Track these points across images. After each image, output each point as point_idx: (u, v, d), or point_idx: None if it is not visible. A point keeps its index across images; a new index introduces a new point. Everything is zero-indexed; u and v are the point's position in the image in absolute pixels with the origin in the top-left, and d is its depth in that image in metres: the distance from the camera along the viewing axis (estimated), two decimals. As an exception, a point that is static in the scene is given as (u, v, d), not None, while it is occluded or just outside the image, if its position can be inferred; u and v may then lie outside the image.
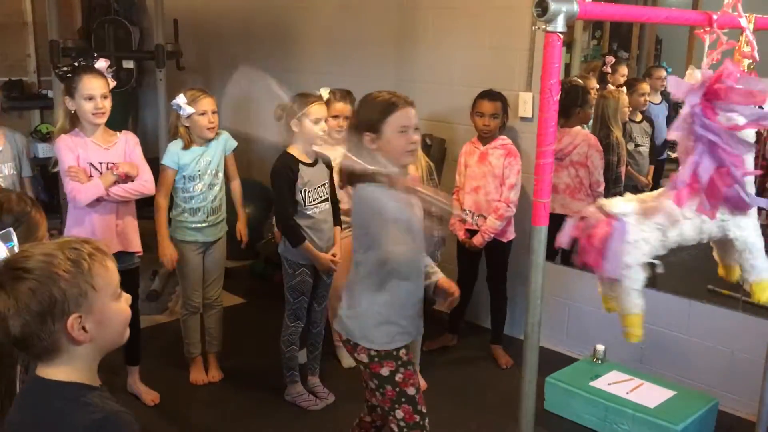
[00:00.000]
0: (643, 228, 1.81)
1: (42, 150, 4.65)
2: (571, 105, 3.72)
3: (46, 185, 4.70)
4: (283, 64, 4.92)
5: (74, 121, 3.02)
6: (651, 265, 1.87)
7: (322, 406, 3.31)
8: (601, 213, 1.81)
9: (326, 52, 4.81)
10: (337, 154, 3.15)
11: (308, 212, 3.13)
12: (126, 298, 1.37)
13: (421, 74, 4.28)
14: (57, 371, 1.30)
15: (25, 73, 5.12)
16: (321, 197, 3.17)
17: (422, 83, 4.25)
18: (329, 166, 3.23)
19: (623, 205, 1.84)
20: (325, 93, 3.31)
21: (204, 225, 3.33)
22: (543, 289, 1.59)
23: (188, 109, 3.20)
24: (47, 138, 4.82)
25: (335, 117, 3.38)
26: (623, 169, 3.81)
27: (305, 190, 3.11)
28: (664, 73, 4.02)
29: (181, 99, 3.22)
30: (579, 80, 3.89)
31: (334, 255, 3.19)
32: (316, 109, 3.10)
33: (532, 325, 1.58)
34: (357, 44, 4.60)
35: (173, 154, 3.25)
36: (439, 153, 4.08)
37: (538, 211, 1.54)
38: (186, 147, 3.26)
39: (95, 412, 1.26)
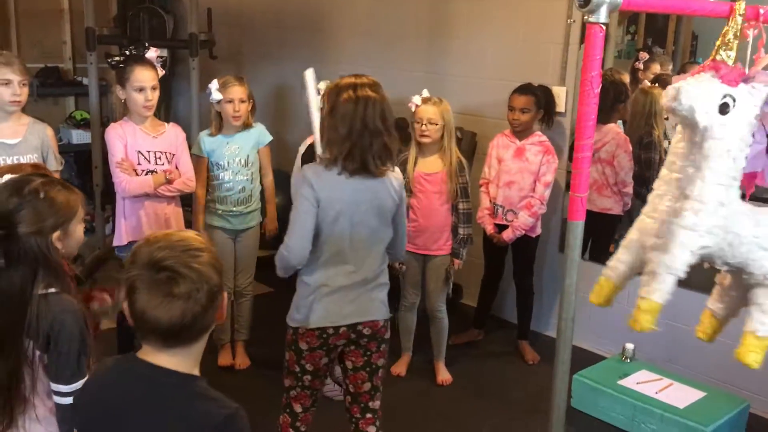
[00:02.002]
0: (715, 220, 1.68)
1: (76, 136, 4.71)
2: (610, 101, 3.65)
3: (79, 171, 4.76)
4: (315, 54, 4.92)
5: (124, 109, 3.07)
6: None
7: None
8: None
9: (358, 43, 4.80)
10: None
11: None
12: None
13: (453, 67, 4.26)
14: (178, 361, 1.33)
15: (61, 60, 5.18)
16: None
17: (454, 76, 4.23)
18: None
19: None
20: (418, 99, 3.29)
21: (232, 213, 3.36)
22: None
23: (216, 95, 3.24)
24: (81, 125, 4.88)
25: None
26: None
27: None
28: (698, 69, 3.93)
29: (214, 84, 3.27)
30: (617, 76, 3.82)
31: None
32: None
33: (566, 320, 1.57)
34: (389, 36, 4.58)
35: (200, 141, 3.33)
36: (469, 146, 4.05)
37: (574, 205, 1.52)
38: (213, 134, 3.32)
39: (226, 407, 1.32)
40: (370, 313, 2.31)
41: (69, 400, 1.64)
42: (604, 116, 3.64)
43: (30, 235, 1.63)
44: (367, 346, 2.34)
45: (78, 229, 1.76)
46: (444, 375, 3.50)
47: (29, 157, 2.91)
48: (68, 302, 1.68)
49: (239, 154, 3.34)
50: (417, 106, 3.24)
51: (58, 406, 1.70)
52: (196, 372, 1.37)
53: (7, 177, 1.73)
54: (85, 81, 4.80)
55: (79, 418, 1.43)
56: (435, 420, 3.19)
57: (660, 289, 1.71)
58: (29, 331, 1.63)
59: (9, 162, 2.80)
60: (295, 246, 2.19)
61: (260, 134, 3.42)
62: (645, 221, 1.79)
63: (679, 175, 1.68)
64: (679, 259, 1.67)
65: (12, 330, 1.62)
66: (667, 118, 3.90)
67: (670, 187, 1.72)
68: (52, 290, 1.67)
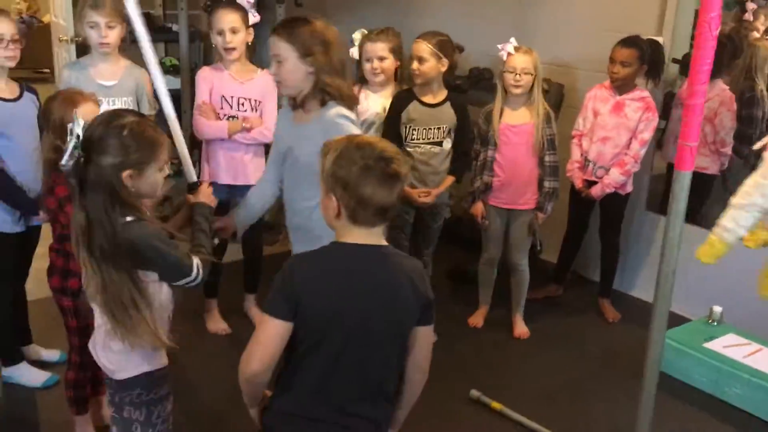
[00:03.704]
0: None
1: (167, 82, 4.81)
2: (727, 56, 3.45)
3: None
4: (402, 3, 4.85)
5: (219, 55, 3.10)
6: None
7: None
8: None
9: (445, -8, 4.70)
10: (374, 102, 3.13)
11: (409, 149, 3.12)
12: None
13: (542, 15, 4.12)
14: (379, 236, 1.66)
15: (151, 6, 5.27)
16: (429, 139, 3.13)
17: (542, 24, 4.10)
18: (457, 110, 3.16)
19: None
20: (357, 35, 3.18)
21: None
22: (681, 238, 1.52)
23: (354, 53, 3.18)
24: (171, 71, 4.98)
25: (368, 60, 3.15)
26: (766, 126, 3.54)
27: (409, 127, 3.09)
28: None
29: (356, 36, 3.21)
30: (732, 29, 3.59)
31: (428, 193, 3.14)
32: None
33: (667, 274, 1.52)
34: (476, -16, 4.47)
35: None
36: (556, 99, 3.94)
37: (683, 154, 1.46)
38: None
39: (415, 260, 1.74)
40: None
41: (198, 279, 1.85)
42: (715, 71, 3.46)
43: (103, 165, 1.72)
44: None
45: (155, 175, 1.81)
46: (521, 328, 3.49)
47: (124, 100, 2.98)
48: (146, 225, 1.77)
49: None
50: (509, 54, 3.15)
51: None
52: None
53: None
54: (175, 27, 4.87)
55: (313, 311, 1.60)
56: (510, 372, 3.20)
57: (729, 223, 1.84)
58: (118, 257, 1.74)
59: (105, 102, 2.87)
60: None
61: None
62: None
63: None
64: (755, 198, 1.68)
65: (112, 251, 1.72)
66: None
67: None
68: (130, 218, 1.76)
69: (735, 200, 2.09)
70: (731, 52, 3.47)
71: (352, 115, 2.25)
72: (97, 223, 1.73)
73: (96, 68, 2.95)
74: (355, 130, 2.19)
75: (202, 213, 2.06)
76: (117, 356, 1.86)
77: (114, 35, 2.91)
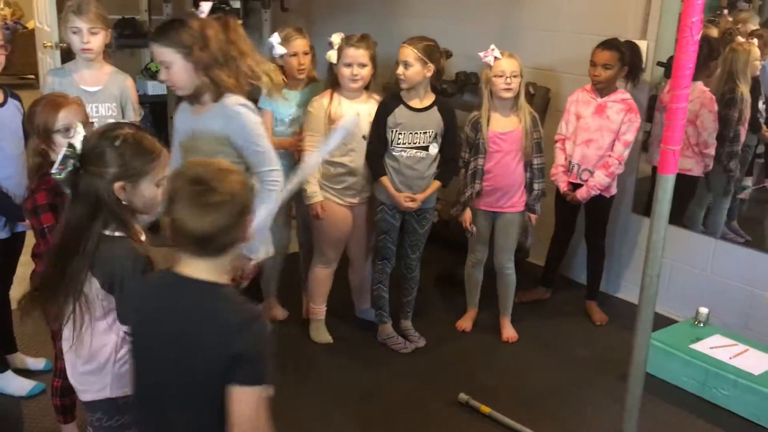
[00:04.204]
0: None
1: (152, 87, 4.79)
2: (702, 57, 3.47)
3: (155, 122, 4.86)
4: (385, 8, 4.87)
5: None
6: None
7: (411, 349, 3.35)
8: None
9: (430, -4, 4.72)
10: (348, 109, 3.11)
11: (395, 153, 3.12)
12: None
13: (527, 20, 4.14)
14: (206, 270, 1.49)
15: (137, 12, 5.25)
16: (415, 143, 3.13)
17: (528, 29, 4.12)
18: (444, 115, 3.16)
19: None
20: (336, 38, 3.15)
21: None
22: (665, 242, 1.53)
23: (280, 49, 3.15)
24: (156, 76, 4.97)
25: (348, 65, 3.10)
26: (744, 128, 3.57)
27: (395, 131, 3.10)
28: (784, 25, 3.73)
29: (275, 38, 3.18)
30: (707, 31, 3.62)
31: (413, 198, 3.14)
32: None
33: (651, 277, 1.53)
34: (461, -12, 4.48)
35: (264, 96, 3.16)
36: (542, 103, 3.96)
37: (666, 158, 1.47)
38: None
39: (247, 310, 1.47)
40: None
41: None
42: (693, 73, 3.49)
43: (93, 175, 1.70)
44: None
45: (150, 189, 1.76)
46: (509, 332, 3.49)
47: (107, 106, 2.96)
48: (130, 246, 1.73)
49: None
50: (497, 59, 3.15)
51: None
52: (223, 281, 1.51)
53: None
54: (159, 33, 4.85)
55: (127, 328, 1.62)
56: (498, 376, 3.20)
57: None
58: (93, 268, 1.71)
59: (88, 107, 2.84)
60: None
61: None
62: None
63: None
64: None
65: (73, 258, 1.70)
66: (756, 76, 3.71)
67: None
68: (118, 233, 1.73)
69: None
70: (707, 54, 3.49)
71: (250, 103, 2.37)
72: (71, 231, 1.71)
73: (80, 74, 2.94)
74: (256, 117, 2.33)
75: None
76: (82, 377, 1.84)
77: (97, 41, 2.89)
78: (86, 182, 1.70)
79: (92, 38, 2.87)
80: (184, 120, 2.46)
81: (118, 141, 1.72)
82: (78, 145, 1.70)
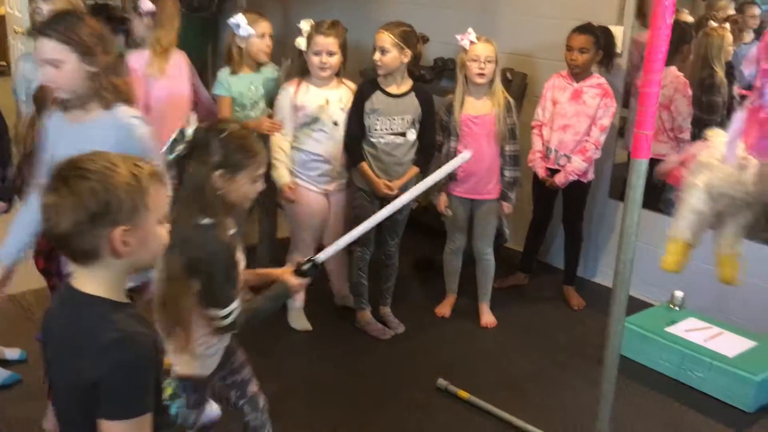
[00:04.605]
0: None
1: (126, 74, 4.72)
2: (674, 42, 3.51)
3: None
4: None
5: None
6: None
7: (390, 335, 3.35)
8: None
9: (407, -19, 4.68)
10: (315, 96, 3.10)
11: (372, 139, 3.10)
12: (167, 226, 1.38)
13: (505, 5, 4.13)
14: (89, 282, 1.32)
15: (109, -3, 5.15)
16: (392, 130, 3.12)
17: (505, 14, 4.10)
18: (421, 101, 3.15)
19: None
20: (305, 25, 3.11)
21: None
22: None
23: (248, 30, 3.13)
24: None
25: (317, 53, 3.07)
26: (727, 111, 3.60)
27: (372, 117, 3.08)
28: (757, 11, 3.77)
29: (240, 19, 3.14)
30: (681, 15, 3.65)
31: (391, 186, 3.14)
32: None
33: (624, 262, 1.54)
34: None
35: (223, 81, 3.18)
36: (519, 88, 3.96)
37: (639, 143, 1.47)
38: (234, 72, 3.19)
39: (115, 331, 1.27)
40: None
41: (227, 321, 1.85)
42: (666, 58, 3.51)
43: (198, 162, 1.82)
44: None
45: (246, 185, 1.86)
46: (488, 318, 3.51)
47: None
48: (219, 237, 1.82)
49: (264, 93, 3.26)
50: (472, 43, 3.14)
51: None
52: (111, 297, 1.32)
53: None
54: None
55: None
56: (478, 362, 3.22)
57: (677, 225, 1.84)
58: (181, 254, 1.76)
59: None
60: None
61: (273, 73, 3.32)
62: None
63: None
64: (693, 198, 1.81)
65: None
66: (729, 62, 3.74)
67: None
68: (208, 221, 1.82)
69: None
70: (679, 38, 3.51)
71: (142, 116, 2.18)
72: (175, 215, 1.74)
73: None
74: (146, 130, 2.12)
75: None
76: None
77: None
78: (193, 168, 1.82)
79: None
80: (59, 127, 2.14)
81: (224, 134, 1.84)
82: (188, 133, 1.81)
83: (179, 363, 1.87)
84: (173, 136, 1.81)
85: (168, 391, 1.56)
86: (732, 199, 1.80)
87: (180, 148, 1.81)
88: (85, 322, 1.30)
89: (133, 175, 1.28)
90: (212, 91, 3.25)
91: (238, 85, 3.20)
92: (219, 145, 1.82)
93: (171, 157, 1.80)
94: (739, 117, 1.64)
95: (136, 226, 1.28)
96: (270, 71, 3.32)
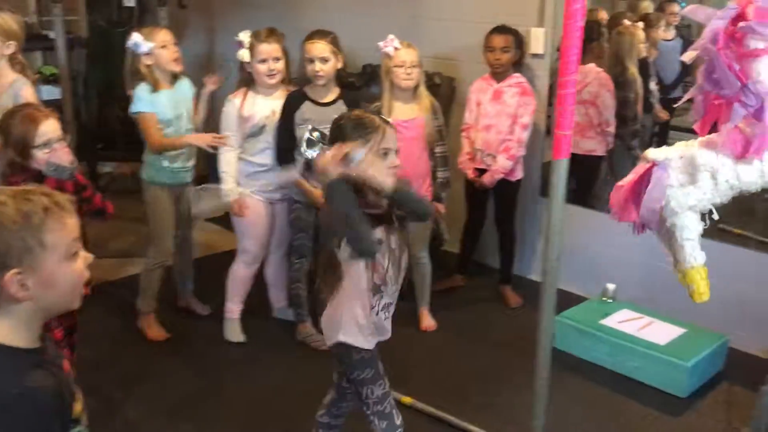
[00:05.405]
0: (690, 172, 1.65)
1: (47, 92, 4.57)
2: (585, 40, 3.62)
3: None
4: (289, 2, 4.80)
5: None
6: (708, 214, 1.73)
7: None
8: (644, 161, 1.67)
9: (331, -11, 4.68)
10: (262, 106, 3.09)
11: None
12: (84, 258, 1.27)
13: (430, 10, 4.17)
14: None
15: (25, 14, 4.98)
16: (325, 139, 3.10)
17: (431, 20, 4.15)
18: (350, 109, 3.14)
19: (666, 150, 1.69)
20: (245, 36, 3.08)
21: (180, 170, 3.26)
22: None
23: (147, 45, 3.04)
24: (51, 80, 4.75)
25: (263, 61, 3.07)
26: (640, 107, 3.73)
27: (303, 128, 3.06)
28: (677, 8, 3.91)
29: (136, 37, 3.05)
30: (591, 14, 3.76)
31: None
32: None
33: (551, 261, 1.56)
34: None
35: (144, 98, 3.08)
36: (448, 92, 4.00)
37: (559, 143, 1.50)
38: (155, 89, 3.10)
39: (14, 387, 1.17)
40: None
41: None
42: (582, 56, 3.61)
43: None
44: None
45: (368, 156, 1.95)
46: (428, 321, 3.52)
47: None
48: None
49: (186, 106, 3.22)
50: (396, 49, 3.16)
51: None
52: (19, 344, 1.22)
53: None
54: (51, 35, 4.63)
55: None
56: (419, 366, 3.22)
57: (686, 255, 1.78)
58: None
59: None
60: None
61: (190, 85, 3.28)
62: None
63: None
64: (683, 224, 1.77)
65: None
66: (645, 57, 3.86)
67: None
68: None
69: None
70: (587, 36, 3.62)
71: None
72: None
73: None
74: None
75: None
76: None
77: None
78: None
79: None
80: None
81: (342, 120, 1.99)
82: (316, 134, 2.02)
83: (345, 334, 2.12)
84: (306, 135, 2.02)
85: None
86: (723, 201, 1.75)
87: (318, 145, 2.00)
88: None
89: (23, 213, 1.16)
90: (131, 109, 3.12)
91: (159, 103, 3.11)
92: (338, 130, 1.96)
93: (310, 157, 2.00)
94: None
95: (31, 268, 1.18)
96: (187, 86, 3.25)
